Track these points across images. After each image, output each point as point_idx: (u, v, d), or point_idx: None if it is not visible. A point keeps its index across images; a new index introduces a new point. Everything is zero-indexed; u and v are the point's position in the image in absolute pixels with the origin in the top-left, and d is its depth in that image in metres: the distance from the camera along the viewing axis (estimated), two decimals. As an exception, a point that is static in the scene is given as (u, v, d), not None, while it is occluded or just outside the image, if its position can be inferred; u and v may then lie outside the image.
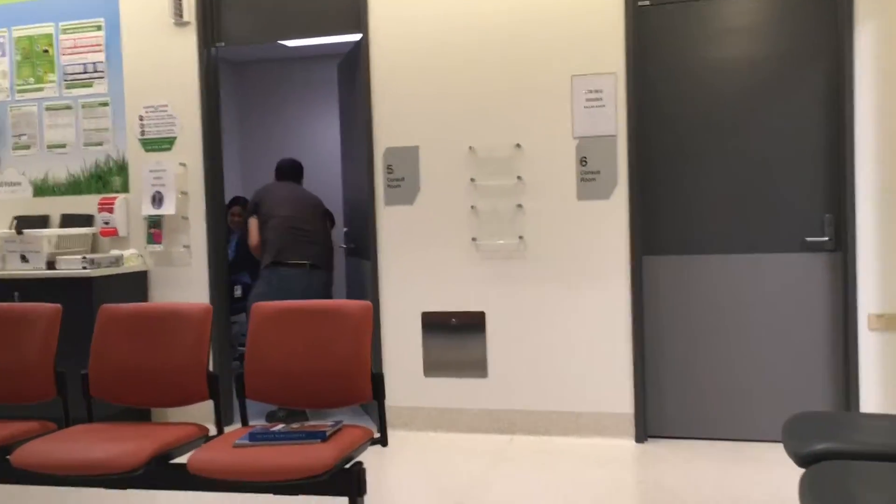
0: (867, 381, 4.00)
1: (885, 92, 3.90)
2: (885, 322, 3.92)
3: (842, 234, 4.05)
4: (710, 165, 4.27)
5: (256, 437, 2.66)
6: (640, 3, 4.28)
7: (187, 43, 4.90)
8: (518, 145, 4.45)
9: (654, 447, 4.24)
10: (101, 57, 5.04)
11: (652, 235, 4.35)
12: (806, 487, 2.14)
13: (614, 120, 4.30)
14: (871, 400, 3.98)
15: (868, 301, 3.97)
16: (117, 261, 4.82)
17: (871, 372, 3.99)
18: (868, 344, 3.99)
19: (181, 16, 4.85)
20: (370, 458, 4.12)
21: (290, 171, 5.30)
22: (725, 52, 4.24)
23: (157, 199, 4.92)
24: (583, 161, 4.36)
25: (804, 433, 2.61)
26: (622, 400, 4.35)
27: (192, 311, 3.10)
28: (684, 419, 4.36)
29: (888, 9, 3.86)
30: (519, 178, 4.45)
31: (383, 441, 2.95)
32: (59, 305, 3.28)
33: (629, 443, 4.31)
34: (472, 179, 4.52)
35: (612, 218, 4.33)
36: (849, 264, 4.01)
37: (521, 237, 4.46)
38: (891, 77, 3.87)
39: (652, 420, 4.37)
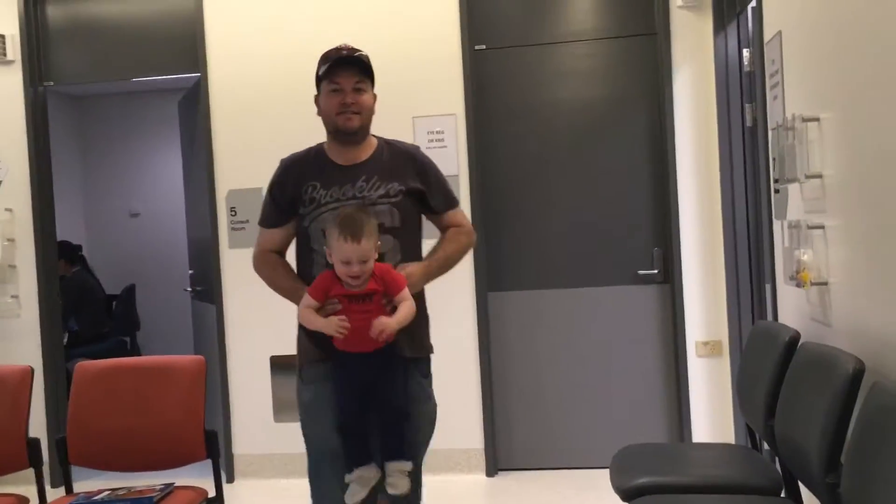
0: (698, 407, 4.23)
1: (700, 131, 4.17)
2: (710, 349, 4.16)
3: (669, 266, 4.28)
4: (548, 203, 4.42)
5: (77, 509, 2.53)
6: (476, 48, 4.40)
7: (12, 82, 4.64)
8: (363, 186, 4.45)
9: (504, 480, 4.32)
10: (-86, 96, 4.70)
11: (496, 272, 4.45)
12: (623, 526, 2.23)
13: (456, 160, 4.39)
14: (702, 425, 4.21)
15: (695, 329, 4.21)
16: (-65, 315, 4.48)
17: (701, 397, 4.22)
18: (697, 371, 4.22)
19: (5, 54, 4.60)
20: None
21: None
22: (559, 95, 4.42)
23: (-19, 248, 4.61)
24: (427, 201, 4.41)
25: (629, 467, 2.73)
26: (472, 435, 4.41)
27: (9, 374, 2.92)
28: (532, 451, 4.45)
29: (699, 55, 4.14)
30: (364, 218, 4.45)
31: (219, 500, 2.87)
32: None
33: (480, 477, 4.37)
34: (318, 220, 4.48)
35: (456, 256, 4.39)
36: (676, 295, 4.24)
37: (368, 277, 4.45)
38: (704, 117, 4.14)
39: (502, 454, 4.45)
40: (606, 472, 4.19)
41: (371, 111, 2.54)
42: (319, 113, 2.56)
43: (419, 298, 2.45)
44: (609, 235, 4.36)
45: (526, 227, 4.43)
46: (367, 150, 2.55)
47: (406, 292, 2.35)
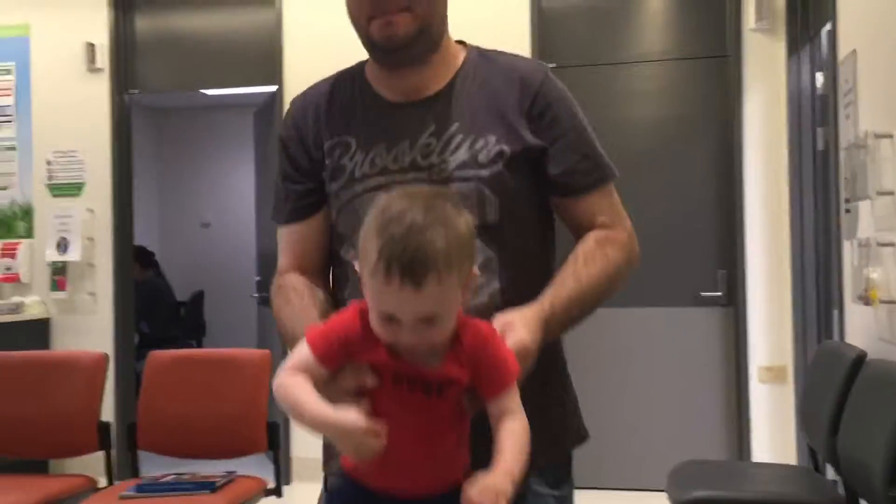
0: (758, 433, 4.14)
1: (770, 154, 4.13)
2: (773, 375, 4.09)
3: (734, 289, 4.23)
4: (613, 222, 4.42)
5: (144, 489, 2.62)
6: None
7: (100, 89, 4.87)
8: (428, 198, 4.53)
9: (558, 498, 4.29)
10: (10, 101, 4.96)
11: (557, 289, 4.45)
12: (678, 533, 2.22)
13: (521, 176, 4.42)
14: (762, 451, 4.12)
15: (758, 354, 4.14)
16: (17, 308, 4.69)
17: (762, 423, 4.14)
18: (759, 396, 4.14)
19: (94, 62, 4.83)
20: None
21: None
22: (628, 115, 4.43)
23: (63, 245, 4.83)
24: (491, 215, 4.46)
25: (687, 480, 2.71)
26: (527, 451, 4.39)
27: (85, 360, 3.05)
28: (582, 470, 4.38)
29: (771, 78, 4.12)
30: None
31: (278, 492, 2.94)
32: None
33: (534, 494, 4.34)
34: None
35: (518, 271, 4.42)
36: (740, 319, 4.18)
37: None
38: (775, 140, 4.11)
39: (556, 471, 4.42)
40: (662, 494, 4.13)
41: (433, 3, 1.33)
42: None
43: (553, 347, 1.33)
44: (673, 256, 4.33)
45: (589, 245, 4.43)
46: (441, 74, 1.38)
47: (515, 393, 1.15)
